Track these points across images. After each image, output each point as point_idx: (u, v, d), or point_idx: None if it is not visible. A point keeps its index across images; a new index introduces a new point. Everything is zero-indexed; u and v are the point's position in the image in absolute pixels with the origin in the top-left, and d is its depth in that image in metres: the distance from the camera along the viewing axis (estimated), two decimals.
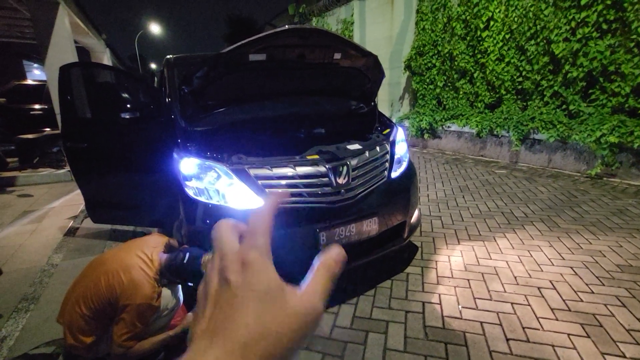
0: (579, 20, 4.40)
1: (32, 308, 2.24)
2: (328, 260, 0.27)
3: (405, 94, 7.92)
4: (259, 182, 1.82)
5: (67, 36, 5.76)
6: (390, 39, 7.89)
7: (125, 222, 2.93)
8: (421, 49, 6.92)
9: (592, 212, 3.33)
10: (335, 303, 2.13)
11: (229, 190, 1.82)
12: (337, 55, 2.26)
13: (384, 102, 8.29)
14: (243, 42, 1.83)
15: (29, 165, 5.80)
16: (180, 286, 1.74)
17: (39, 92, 7.15)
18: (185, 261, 1.53)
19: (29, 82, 8.02)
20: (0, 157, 5.63)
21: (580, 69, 4.46)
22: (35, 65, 14.88)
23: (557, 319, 1.87)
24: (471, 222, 3.23)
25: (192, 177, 1.86)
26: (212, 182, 1.84)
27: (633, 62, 4.00)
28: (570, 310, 1.94)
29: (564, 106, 4.83)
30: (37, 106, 7.07)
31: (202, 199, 1.83)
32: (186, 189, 1.86)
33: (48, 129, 6.51)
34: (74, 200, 4.48)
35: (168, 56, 3.04)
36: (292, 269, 1.95)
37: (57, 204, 4.43)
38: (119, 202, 2.64)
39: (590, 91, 4.50)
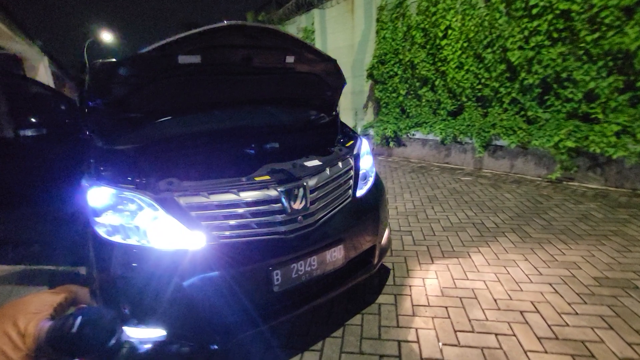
0: (532, 29, 4.49)
1: None
2: None
3: (368, 102, 7.84)
4: (193, 213, 1.45)
5: None
6: (352, 47, 7.81)
7: (36, 261, 2.39)
8: (383, 57, 6.87)
9: (559, 218, 3.28)
10: (295, 352, 1.78)
11: (153, 226, 1.42)
12: (291, 59, 1.95)
13: (347, 110, 8.16)
14: (168, 40, 1.46)
15: None
16: None
17: None
18: (74, 329, 1.10)
19: None
20: None
21: (535, 76, 4.54)
22: None
23: (546, 352, 1.66)
24: (443, 236, 3.04)
25: (103, 211, 1.44)
26: (131, 217, 1.43)
27: (583, 69, 4.11)
28: (558, 339, 1.74)
29: (522, 112, 4.90)
30: None
31: (116, 238, 1.41)
32: (96, 227, 1.43)
33: None
34: None
35: (96, 61, 2.58)
36: (239, 318, 1.53)
37: None
38: (23, 238, 2.12)
39: (546, 97, 4.59)
